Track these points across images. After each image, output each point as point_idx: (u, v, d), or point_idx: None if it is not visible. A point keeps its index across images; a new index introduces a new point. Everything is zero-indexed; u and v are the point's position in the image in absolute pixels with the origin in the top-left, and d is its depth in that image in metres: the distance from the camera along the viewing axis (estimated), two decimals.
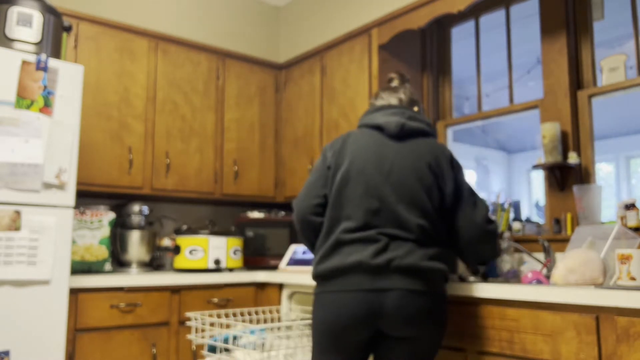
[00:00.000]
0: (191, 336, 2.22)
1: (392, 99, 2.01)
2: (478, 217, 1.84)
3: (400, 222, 1.75)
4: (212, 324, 2.57)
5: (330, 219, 1.83)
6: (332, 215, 1.83)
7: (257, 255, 3.34)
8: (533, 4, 2.82)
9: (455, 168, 1.91)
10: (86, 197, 3.17)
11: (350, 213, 1.79)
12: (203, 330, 2.57)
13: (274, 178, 3.64)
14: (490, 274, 2.57)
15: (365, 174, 1.81)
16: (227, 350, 2.17)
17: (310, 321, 2.27)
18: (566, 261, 1.89)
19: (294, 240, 3.40)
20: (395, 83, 2.11)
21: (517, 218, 2.74)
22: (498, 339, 1.83)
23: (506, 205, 2.73)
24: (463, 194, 1.86)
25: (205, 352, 2.18)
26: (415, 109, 2.02)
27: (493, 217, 2.06)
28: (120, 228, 3.07)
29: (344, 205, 1.82)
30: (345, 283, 1.71)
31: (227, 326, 2.53)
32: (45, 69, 2.30)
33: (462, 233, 1.83)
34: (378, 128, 1.90)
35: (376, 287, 1.68)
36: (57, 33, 2.46)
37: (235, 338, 2.15)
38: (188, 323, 2.27)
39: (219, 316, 2.75)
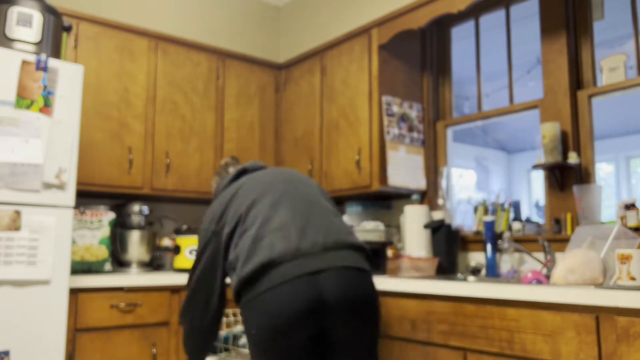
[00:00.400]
0: None
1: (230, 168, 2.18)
2: None
3: (307, 198, 1.78)
4: None
5: (240, 235, 1.76)
6: (238, 232, 1.77)
7: None
8: (533, 4, 2.82)
9: None
10: (86, 197, 3.17)
11: (253, 216, 1.74)
12: None
13: None
14: (490, 274, 2.57)
15: (251, 191, 1.83)
16: (227, 350, 2.17)
17: None
18: (566, 261, 1.89)
19: None
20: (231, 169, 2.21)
21: (517, 218, 2.74)
22: (498, 339, 1.83)
23: (506, 205, 2.73)
24: None
25: None
26: None
27: None
28: (120, 228, 3.07)
29: (245, 218, 1.77)
30: (277, 275, 1.58)
31: (228, 326, 2.53)
32: (45, 69, 2.30)
33: None
34: (243, 172, 1.99)
35: (311, 270, 1.57)
36: (57, 33, 2.45)
37: (235, 338, 2.15)
38: None
39: None
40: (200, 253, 1.87)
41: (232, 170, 2.14)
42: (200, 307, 1.86)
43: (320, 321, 1.57)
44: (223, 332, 2.20)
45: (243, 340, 2.15)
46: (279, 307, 1.55)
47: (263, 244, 1.65)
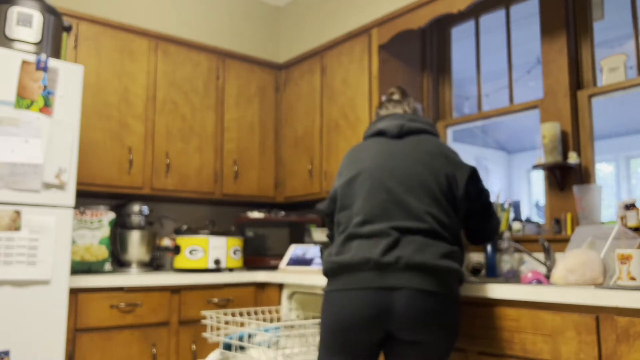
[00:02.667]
0: (207, 334, 2.23)
1: (397, 109, 2.06)
2: (490, 233, 2.00)
3: (410, 211, 1.72)
4: (227, 322, 2.57)
5: (342, 218, 1.85)
6: (342, 214, 1.85)
7: (257, 255, 3.34)
8: (533, 4, 2.82)
9: (464, 167, 1.88)
10: (86, 197, 3.17)
11: (358, 209, 1.78)
12: (218, 329, 2.57)
13: (274, 178, 3.64)
14: (490, 274, 2.57)
15: (370, 171, 1.83)
16: (242, 348, 2.18)
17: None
18: (566, 261, 1.89)
19: (294, 240, 3.40)
20: (396, 97, 2.14)
21: (517, 218, 2.74)
22: (498, 339, 1.83)
23: (506, 205, 2.73)
24: (480, 202, 1.92)
25: (220, 349, 2.18)
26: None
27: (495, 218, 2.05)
28: (120, 228, 3.07)
29: (352, 203, 1.83)
30: (352, 280, 1.67)
31: (242, 325, 2.53)
32: (45, 69, 2.30)
33: (469, 236, 1.97)
34: (380, 133, 1.95)
35: (385, 285, 1.63)
36: (57, 33, 2.45)
37: (250, 336, 2.16)
38: (203, 321, 2.27)
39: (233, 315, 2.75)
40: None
41: (382, 112, 2.09)
42: None
43: (385, 328, 1.66)
44: (238, 331, 2.21)
45: (258, 338, 2.16)
46: (345, 309, 1.67)
47: (352, 246, 1.74)
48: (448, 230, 1.74)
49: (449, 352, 1.70)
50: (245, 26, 3.68)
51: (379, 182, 1.79)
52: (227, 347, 2.18)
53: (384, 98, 2.15)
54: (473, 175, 1.88)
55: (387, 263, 1.64)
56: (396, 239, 1.68)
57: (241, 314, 2.82)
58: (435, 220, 1.72)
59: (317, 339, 2.27)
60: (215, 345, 2.84)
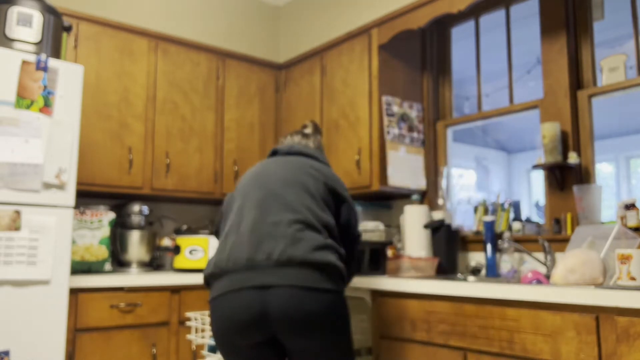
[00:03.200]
0: (191, 336, 2.22)
1: (301, 141, 2.11)
2: (354, 253, 1.97)
3: (286, 203, 1.69)
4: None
5: (223, 225, 1.88)
6: (223, 222, 1.87)
7: None
8: (533, 4, 2.82)
9: (345, 195, 1.91)
10: (86, 197, 3.17)
11: (235, 209, 1.79)
12: (203, 330, 2.57)
13: None
14: (490, 274, 2.57)
15: (251, 179, 1.86)
16: None
17: None
18: (566, 261, 1.89)
19: None
20: (308, 130, 2.20)
21: (517, 218, 2.74)
22: (498, 339, 1.83)
23: (506, 205, 2.73)
24: (349, 225, 1.91)
25: (205, 352, 2.17)
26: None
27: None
28: (120, 228, 3.07)
29: (231, 208, 1.85)
30: (227, 283, 1.61)
31: None
32: (45, 69, 2.30)
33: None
34: (273, 153, 2.03)
35: (257, 284, 1.55)
36: (57, 33, 2.45)
37: None
38: (188, 323, 2.27)
39: None
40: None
41: (281, 140, 2.17)
42: None
43: (268, 331, 1.59)
44: None
45: None
46: (226, 315, 1.60)
47: (223, 249, 1.70)
48: (324, 224, 1.69)
49: (345, 356, 1.63)
50: (245, 26, 3.68)
51: (259, 183, 1.81)
52: (212, 349, 2.16)
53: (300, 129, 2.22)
54: (350, 205, 1.91)
55: (258, 261, 1.58)
56: (267, 233, 1.62)
57: None
58: (310, 212, 1.67)
59: None
60: None
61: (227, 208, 1.91)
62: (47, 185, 2.27)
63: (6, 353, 2.11)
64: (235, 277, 1.60)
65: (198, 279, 2.82)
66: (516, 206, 2.78)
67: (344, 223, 1.88)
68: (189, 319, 2.76)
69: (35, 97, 2.26)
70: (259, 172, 1.88)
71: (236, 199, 1.85)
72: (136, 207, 3.11)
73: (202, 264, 2.98)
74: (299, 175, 1.82)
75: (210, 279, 1.69)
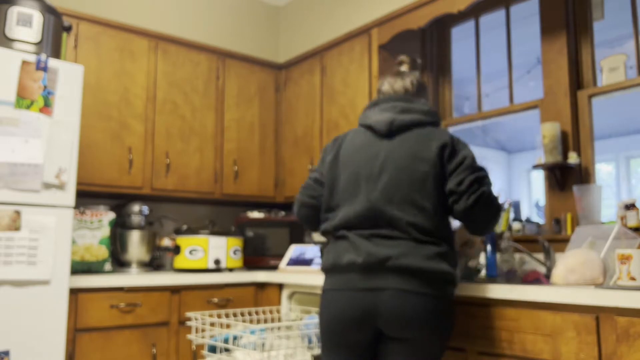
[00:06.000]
0: (191, 336, 2.22)
1: (397, 85, 1.95)
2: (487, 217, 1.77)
3: (391, 222, 1.72)
4: (212, 324, 2.57)
5: (329, 215, 1.87)
6: (329, 214, 1.88)
7: (257, 255, 3.34)
8: (533, 4, 2.82)
9: (451, 152, 1.77)
10: (86, 197, 3.17)
11: (343, 212, 1.80)
12: (203, 330, 2.57)
13: (274, 178, 3.64)
14: (490, 274, 2.57)
15: (356, 174, 1.82)
16: (227, 350, 2.17)
17: (309, 321, 2.27)
18: (566, 261, 1.89)
19: (294, 240, 3.40)
20: (404, 68, 2.04)
21: (517, 218, 2.74)
22: (498, 339, 1.83)
23: (506, 205, 2.73)
24: (464, 163, 1.75)
25: (205, 352, 2.18)
26: (422, 99, 1.96)
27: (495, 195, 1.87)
28: (120, 228, 3.07)
29: (338, 205, 1.85)
30: (340, 282, 1.72)
31: (228, 326, 2.53)
32: (45, 69, 2.30)
33: (454, 199, 1.74)
34: (370, 128, 1.88)
35: (370, 286, 1.67)
36: (57, 33, 2.45)
37: (235, 338, 2.15)
38: (188, 323, 2.27)
39: (219, 316, 2.74)
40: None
41: (383, 88, 1.98)
42: None
43: (375, 327, 1.69)
44: (223, 332, 2.20)
45: (243, 340, 2.15)
46: (336, 309, 1.72)
47: (339, 246, 1.78)
48: (436, 235, 1.71)
49: (439, 352, 1.70)
50: (245, 26, 3.68)
51: (362, 190, 1.78)
52: (212, 349, 2.17)
53: (395, 66, 2.06)
54: (460, 152, 1.77)
55: (371, 264, 1.68)
56: (377, 244, 1.71)
57: (242, 314, 2.81)
58: (418, 229, 1.70)
59: (304, 340, 2.27)
60: None
61: (331, 172, 1.87)
62: (47, 185, 2.27)
63: (6, 353, 2.11)
64: (351, 276, 1.71)
65: (198, 279, 2.82)
66: (516, 206, 2.78)
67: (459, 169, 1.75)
68: (189, 319, 2.76)
69: (35, 97, 2.26)
70: (358, 168, 1.81)
71: (342, 171, 1.84)
72: (136, 207, 3.11)
73: (202, 264, 2.98)
74: (400, 180, 1.74)
75: (330, 270, 1.78)
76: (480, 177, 1.74)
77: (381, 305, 1.65)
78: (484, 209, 1.73)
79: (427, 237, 1.70)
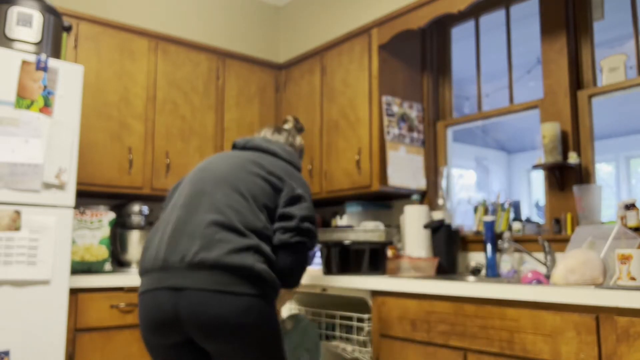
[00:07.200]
0: None
1: (274, 136, 2.05)
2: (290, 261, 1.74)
3: (213, 203, 1.64)
4: None
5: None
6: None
7: None
8: (533, 4, 2.82)
9: (293, 186, 1.77)
10: (86, 197, 3.17)
11: (169, 208, 1.77)
12: None
13: None
14: (490, 274, 2.57)
15: (192, 173, 1.83)
16: None
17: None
18: (566, 261, 1.89)
19: None
20: (287, 125, 2.14)
21: (517, 218, 2.74)
22: (498, 339, 1.83)
23: (506, 205, 2.73)
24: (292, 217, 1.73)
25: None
26: (289, 150, 1.97)
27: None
28: (120, 228, 3.06)
29: (168, 203, 1.85)
30: (146, 282, 1.64)
31: None
32: (45, 69, 2.30)
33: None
34: (233, 146, 1.98)
35: (170, 285, 1.55)
36: (57, 33, 2.45)
37: None
38: None
39: None
40: None
41: (258, 133, 2.12)
42: None
43: (182, 333, 1.59)
44: None
45: None
46: (143, 313, 1.64)
47: (148, 246, 1.73)
48: (251, 227, 1.62)
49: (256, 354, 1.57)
50: (245, 26, 3.68)
51: (196, 179, 1.78)
52: None
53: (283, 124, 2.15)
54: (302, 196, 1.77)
55: (172, 262, 1.57)
56: (186, 234, 1.60)
57: None
58: (236, 213, 1.61)
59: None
60: None
61: (167, 200, 1.89)
62: (47, 185, 2.27)
63: (6, 353, 2.11)
64: (153, 276, 1.61)
65: None
66: (516, 206, 2.78)
67: (282, 223, 1.73)
68: None
69: (35, 97, 2.26)
70: (203, 167, 1.82)
71: (175, 193, 1.86)
72: (136, 207, 3.11)
73: None
74: (236, 172, 1.73)
75: (139, 274, 1.73)
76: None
77: (181, 307, 1.54)
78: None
79: (241, 225, 1.65)
